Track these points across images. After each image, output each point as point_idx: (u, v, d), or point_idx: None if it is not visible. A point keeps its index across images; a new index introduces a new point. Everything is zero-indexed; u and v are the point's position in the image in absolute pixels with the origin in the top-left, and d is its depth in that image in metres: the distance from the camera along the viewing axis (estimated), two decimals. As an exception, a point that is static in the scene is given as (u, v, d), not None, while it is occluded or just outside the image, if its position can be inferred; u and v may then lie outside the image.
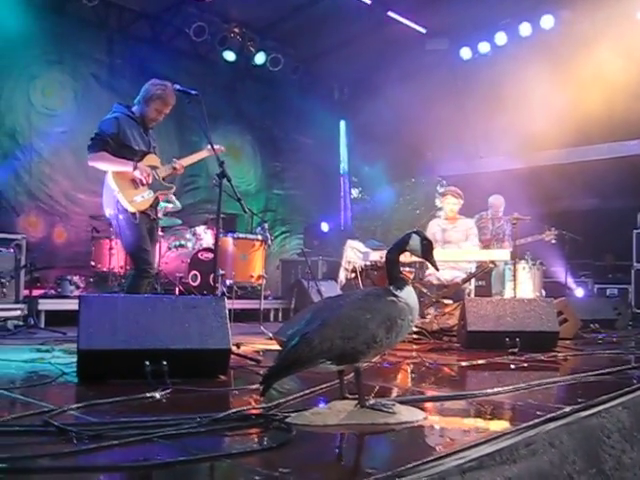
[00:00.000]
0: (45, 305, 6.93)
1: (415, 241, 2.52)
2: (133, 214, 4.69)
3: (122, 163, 4.69)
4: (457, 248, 6.86)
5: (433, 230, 7.03)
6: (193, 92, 4.57)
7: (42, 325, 6.66)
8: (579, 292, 10.24)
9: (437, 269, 2.72)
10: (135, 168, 4.69)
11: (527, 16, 9.96)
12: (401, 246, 2.54)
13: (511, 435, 2.12)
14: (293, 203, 12.07)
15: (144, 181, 4.73)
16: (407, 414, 2.40)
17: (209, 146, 4.79)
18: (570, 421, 2.40)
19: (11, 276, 6.23)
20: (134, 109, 4.87)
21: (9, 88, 8.38)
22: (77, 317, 3.18)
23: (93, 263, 7.83)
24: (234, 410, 2.37)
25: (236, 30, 10.34)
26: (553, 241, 8.12)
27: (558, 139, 9.75)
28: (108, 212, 4.80)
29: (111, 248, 7.43)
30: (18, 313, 6.37)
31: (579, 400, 2.67)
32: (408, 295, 2.43)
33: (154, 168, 4.87)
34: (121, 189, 4.67)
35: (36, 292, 7.03)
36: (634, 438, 2.67)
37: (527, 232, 8.27)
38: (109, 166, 4.69)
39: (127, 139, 4.73)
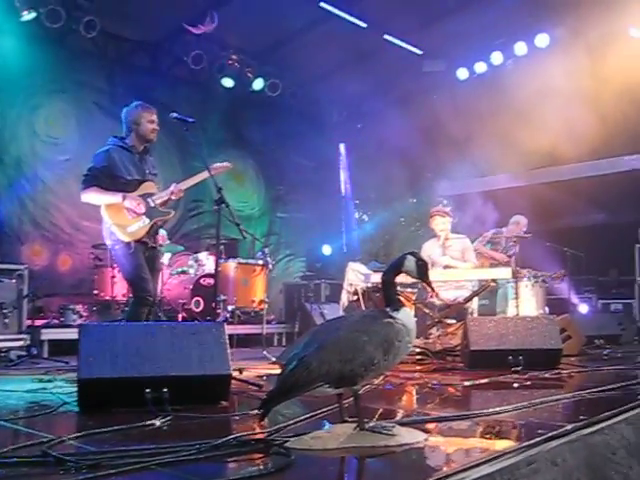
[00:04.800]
0: (48, 335, 6.96)
1: (410, 262, 2.52)
2: (128, 244, 4.73)
3: (111, 195, 4.74)
4: (455, 268, 6.81)
5: (429, 252, 6.94)
6: (190, 120, 4.68)
7: (45, 355, 6.67)
8: (583, 308, 10.18)
9: (433, 290, 2.72)
10: (124, 199, 4.73)
11: (522, 35, 10.03)
12: (396, 267, 2.54)
13: (512, 454, 2.11)
14: (296, 226, 12.04)
15: (136, 210, 4.77)
16: (407, 436, 2.39)
17: (207, 168, 4.81)
18: (572, 439, 2.38)
19: (13, 306, 6.25)
20: (127, 140, 4.92)
21: (13, 118, 8.48)
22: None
23: (96, 291, 7.85)
24: (233, 436, 2.36)
25: (234, 57, 10.43)
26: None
27: (558, 156, 9.77)
28: (107, 242, 4.90)
29: (113, 276, 7.46)
30: (21, 343, 6.37)
31: (581, 417, 2.65)
32: (405, 316, 2.43)
33: (149, 195, 4.89)
34: (114, 220, 4.73)
35: (39, 322, 7.05)
36: (640, 453, 2.64)
37: (530, 250, 8.26)
38: (99, 200, 4.77)
39: (118, 170, 4.77)
